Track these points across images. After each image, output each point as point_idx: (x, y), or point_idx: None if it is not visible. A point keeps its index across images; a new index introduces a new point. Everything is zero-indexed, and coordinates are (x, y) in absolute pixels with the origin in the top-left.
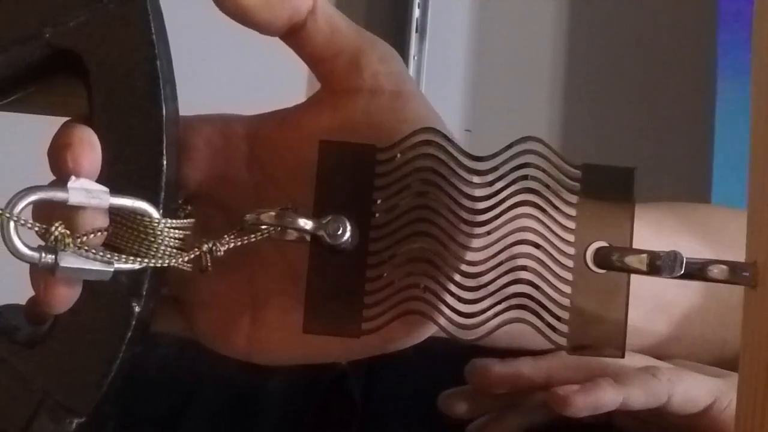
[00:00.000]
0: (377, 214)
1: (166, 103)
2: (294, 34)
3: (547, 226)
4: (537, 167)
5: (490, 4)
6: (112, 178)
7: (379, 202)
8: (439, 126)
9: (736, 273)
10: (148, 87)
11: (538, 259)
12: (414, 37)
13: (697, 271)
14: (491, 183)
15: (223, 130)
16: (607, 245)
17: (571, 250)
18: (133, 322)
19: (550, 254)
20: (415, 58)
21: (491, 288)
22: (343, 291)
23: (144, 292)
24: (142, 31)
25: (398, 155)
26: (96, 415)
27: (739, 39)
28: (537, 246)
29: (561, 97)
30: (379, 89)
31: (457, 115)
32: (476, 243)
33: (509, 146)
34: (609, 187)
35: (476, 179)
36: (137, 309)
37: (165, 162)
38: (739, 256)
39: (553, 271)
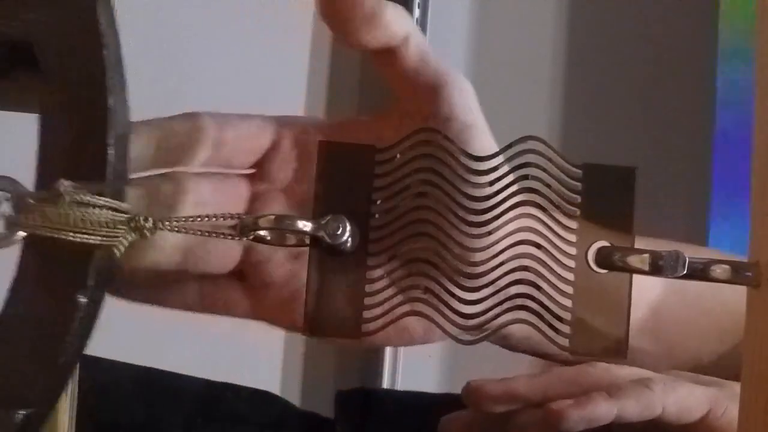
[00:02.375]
0: (377, 215)
1: (113, 93)
2: (385, 55)
3: (549, 226)
4: (538, 167)
5: (490, 4)
6: (67, 169)
7: (379, 202)
8: None
9: (738, 273)
10: (95, 76)
11: (540, 259)
12: None
13: (699, 271)
14: (492, 183)
15: (274, 129)
16: (609, 245)
17: (572, 251)
18: (80, 315)
19: (552, 255)
20: None
21: (492, 289)
22: (343, 292)
23: (90, 284)
24: (91, 20)
25: (398, 155)
26: (43, 407)
27: (739, 39)
28: (538, 246)
29: (561, 97)
30: (453, 118)
31: None
32: (477, 243)
33: (509, 146)
34: (610, 187)
35: (477, 179)
36: (82, 301)
37: (111, 152)
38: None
39: (555, 271)
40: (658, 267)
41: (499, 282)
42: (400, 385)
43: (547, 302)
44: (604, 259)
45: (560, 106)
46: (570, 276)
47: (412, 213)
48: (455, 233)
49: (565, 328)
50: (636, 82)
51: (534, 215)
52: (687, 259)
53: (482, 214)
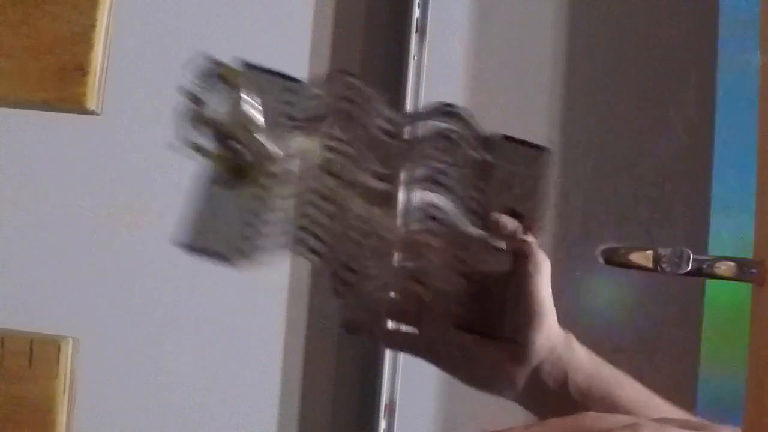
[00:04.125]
0: (293, 142)
1: None
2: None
3: (454, 192)
4: (456, 132)
5: (490, 4)
6: None
7: (295, 130)
8: None
9: (743, 270)
10: None
11: (438, 224)
12: (414, 37)
13: (704, 269)
14: (409, 140)
15: None
16: (616, 246)
17: (478, 221)
18: None
19: (452, 221)
20: (415, 58)
21: (389, 255)
22: (232, 215)
23: None
24: None
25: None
26: None
27: (739, 39)
28: (434, 218)
29: (561, 97)
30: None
31: None
32: (383, 200)
33: (432, 107)
34: (525, 161)
35: (394, 130)
36: None
37: None
38: None
39: (453, 241)
40: (661, 264)
41: (395, 248)
42: (400, 386)
43: (438, 271)
44: (608, 255)
45: (560, 106)
46: (473, 243)
47: (325, 151)
48: (360, 182)
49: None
50: (636, 81)
51: (440, 182)
52: (691, 255)
53: (389, 168)
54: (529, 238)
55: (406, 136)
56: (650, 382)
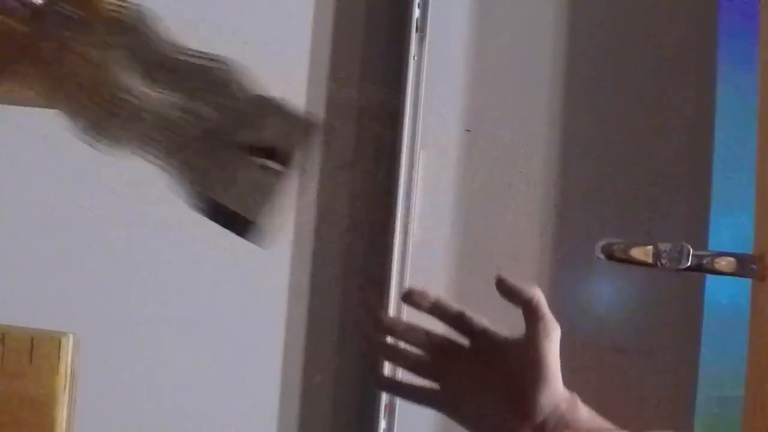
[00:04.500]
0: None
1: None
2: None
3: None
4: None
5: (490, 4)
6: None
7: None
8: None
9: (744, 266)
10: None
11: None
12: (414, 37)
13: (704, 264)
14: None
15: None
16: (616, 241)
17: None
18: None
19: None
20: (415, 58)
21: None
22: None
23: None
24: None
25: None
26: None
27: (739, 39)
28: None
29: (561, 97)
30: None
31: (457, 115)
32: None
33: (201, 54)
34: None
35: (165, 52)
36: None
37: None
38: None
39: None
40: (661, 259)
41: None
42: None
43: None
44: (608, 251)
45: (560, 106)
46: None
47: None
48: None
49: None
50: (636, 81)
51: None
52: (691, 251)
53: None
54: (282, 168)
55: (175, 58)
56: (650, 382)
